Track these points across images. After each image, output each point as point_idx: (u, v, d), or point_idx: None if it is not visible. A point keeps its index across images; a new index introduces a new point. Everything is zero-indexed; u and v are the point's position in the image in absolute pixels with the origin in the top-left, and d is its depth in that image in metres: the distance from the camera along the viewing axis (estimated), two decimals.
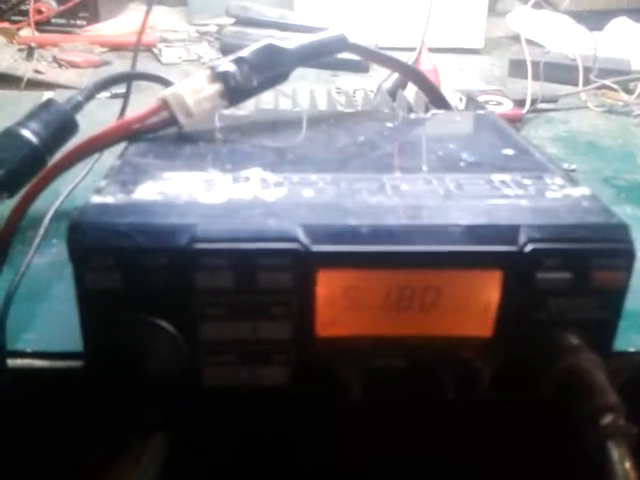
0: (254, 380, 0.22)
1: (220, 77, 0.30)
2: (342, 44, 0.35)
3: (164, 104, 0.29)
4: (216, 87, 0.30)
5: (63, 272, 0.31)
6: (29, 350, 0.26)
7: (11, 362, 0.25)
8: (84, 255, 0.20)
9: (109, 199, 0.23)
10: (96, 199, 0.23)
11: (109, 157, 0.28)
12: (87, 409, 0.23)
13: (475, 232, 0.22)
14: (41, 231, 0.32)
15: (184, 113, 0.29)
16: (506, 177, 0.26)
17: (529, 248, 0.21)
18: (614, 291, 0.22)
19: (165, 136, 0.30)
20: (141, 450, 0.27)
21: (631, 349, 0.28)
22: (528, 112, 0.59)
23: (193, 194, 0.23)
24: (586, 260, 0.22)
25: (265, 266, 0.21)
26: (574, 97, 0.65)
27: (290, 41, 0.33)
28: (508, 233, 0.22)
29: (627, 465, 0.18)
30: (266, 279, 0.21)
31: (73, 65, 0.66)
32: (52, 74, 0.63)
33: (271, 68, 0.32)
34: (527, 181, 0.25)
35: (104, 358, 0.21)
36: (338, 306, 0.22)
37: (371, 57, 0.37)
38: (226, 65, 0.31)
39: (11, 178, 0.33)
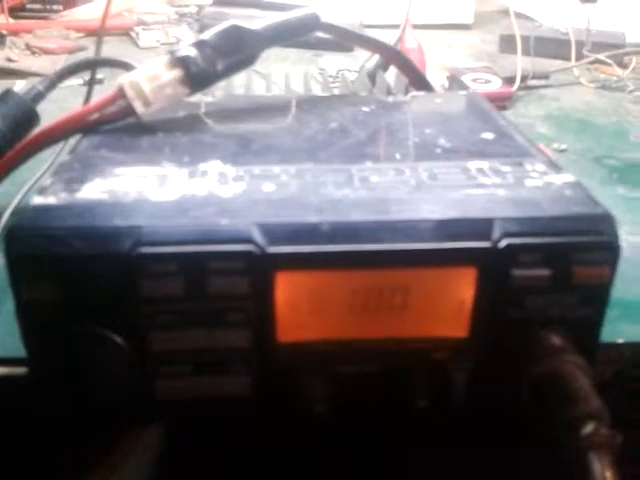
0: (212, 392, 0.21)
1: (180, 62, 0.28)
2: (314, 23, 0.33)
3: (120, 92, 0.28)
4: (175, 73, 0.28)
5: None
6: None
7: None
8: (18, 264, 0.19)
9: (51, 200, 0.21)
10: (37, 200, 0.21)
11: None
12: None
13: (446, 227, 0.20)
14: None
15: (141, 101, 0.28)
16: (484, 164, 0.24)
17: (503, 243, 0.20)
18: (598, 287, 0.20)
19: (122, 127, 0.28)
20: (133, 444, 0.25)
21: (619, 340, 0.26)
22: (518, 89, 0.57)
23: (143, 192, 0.22)
24: (566, 255, 0.20)
25: (217, 270, 0.19)
26: (566, 72, 0.63)
27: (257, 21, 0.31)
28: (481, 227, 0.20)
29: (609, 479, 0.17)
30: (218, 284, 0.19)
31: (47, 52, 0.64)
32: (24, 62, 0.61)
33: (236, 51, 0.30)
34: (506, 168, 0.24)
35: (47, 372, 0.19)
36: (300, 309, 0.20)
37: (345, 36, 0.35)
38: (186, 49, 0.29)
39: None
